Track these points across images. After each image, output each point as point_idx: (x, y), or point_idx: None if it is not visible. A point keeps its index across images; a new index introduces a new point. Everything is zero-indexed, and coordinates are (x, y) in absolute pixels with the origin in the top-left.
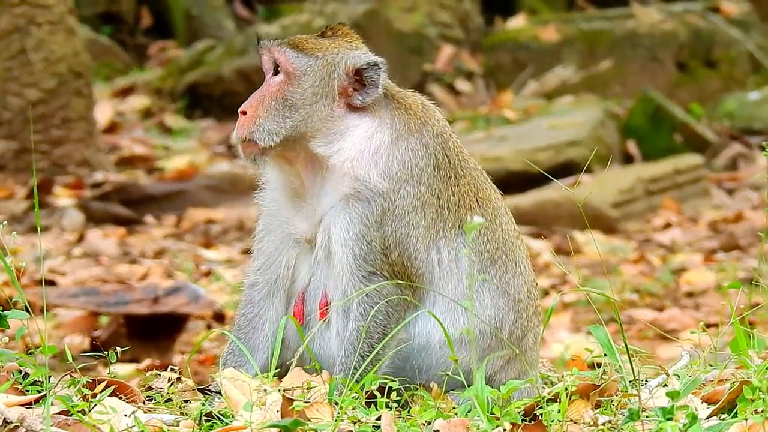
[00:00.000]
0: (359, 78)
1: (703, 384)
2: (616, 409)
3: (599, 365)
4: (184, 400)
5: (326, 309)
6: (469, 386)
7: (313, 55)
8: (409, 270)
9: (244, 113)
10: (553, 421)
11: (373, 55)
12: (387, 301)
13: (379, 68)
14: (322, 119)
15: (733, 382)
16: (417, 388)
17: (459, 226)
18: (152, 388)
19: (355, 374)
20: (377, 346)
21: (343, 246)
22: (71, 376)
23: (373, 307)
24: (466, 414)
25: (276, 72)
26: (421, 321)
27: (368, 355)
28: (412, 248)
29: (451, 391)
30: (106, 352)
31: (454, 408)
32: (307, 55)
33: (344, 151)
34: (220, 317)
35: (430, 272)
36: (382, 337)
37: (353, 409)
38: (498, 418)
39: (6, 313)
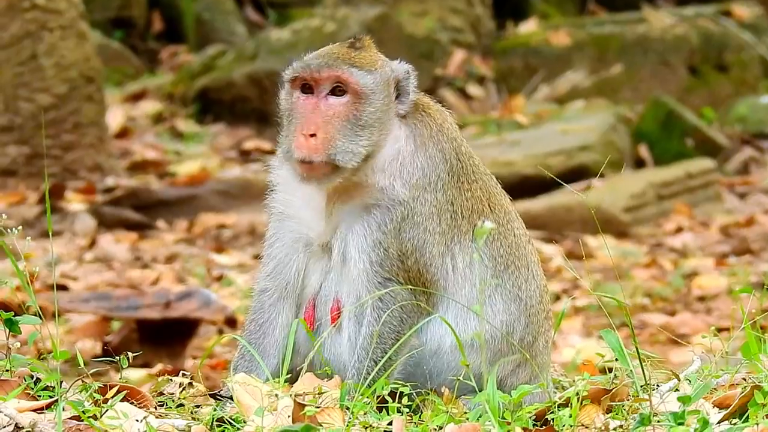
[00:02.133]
0: (396, 88)
1: (715, 389)
2: (628, 414)
3: (610, 370)
4: (195, 405)
5: (338, 314)
6: (480, 391)
7: (374, 71)
8: (425, 276)
9: (313, 135)
10: (564, 425)
11: (405, 63)
12: (401, 307)
13: (411, 76)
14: (385, 132)
15: (745, 387)
16: (428, 393)
17: (473, 231)
18: (164, 393)
19: (367, 379)
20: (390, 352)
21: (360, 252)
22: (83, 381)
23: (387, 313)
24: (478, 419)
25: (335, 92)
26: (432, 326)
27: (381, 361)
28: (428, 254)
29: (463, 396)
30: (117, 357)
31: (465, 413)
32: (369, 72)
33: (374, 163)
34: (231, 322)
35: (444, 278)
36: (395, 343)
37: (364, 414)
38: (509, 423)
39: (18, 318)
